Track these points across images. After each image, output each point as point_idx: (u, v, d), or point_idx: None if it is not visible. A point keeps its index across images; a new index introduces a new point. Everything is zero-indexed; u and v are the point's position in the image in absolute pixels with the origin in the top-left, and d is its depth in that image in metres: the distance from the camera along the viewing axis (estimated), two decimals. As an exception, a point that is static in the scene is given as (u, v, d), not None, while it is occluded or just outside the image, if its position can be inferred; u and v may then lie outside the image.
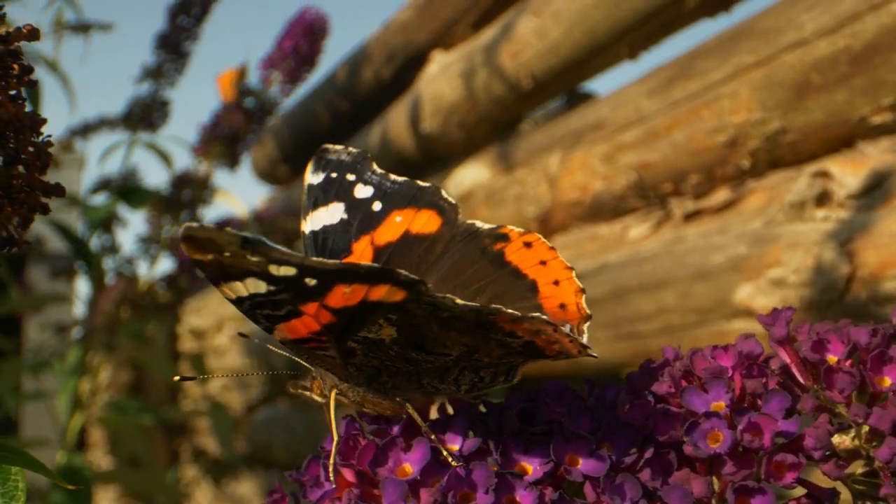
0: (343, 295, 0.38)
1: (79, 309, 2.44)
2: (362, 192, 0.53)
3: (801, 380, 0.38)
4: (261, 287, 0.38)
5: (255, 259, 0.36)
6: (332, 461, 0.39)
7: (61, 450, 1.49)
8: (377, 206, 0.53)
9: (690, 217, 1.20)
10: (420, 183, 0.54)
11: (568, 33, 1.40)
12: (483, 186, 1.61)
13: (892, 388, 0.34)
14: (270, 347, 0.48)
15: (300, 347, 0.42)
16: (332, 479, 0.39)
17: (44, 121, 0.43)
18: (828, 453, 0.35)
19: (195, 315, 2.96)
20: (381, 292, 0.38)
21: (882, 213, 0.90)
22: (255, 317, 0.40)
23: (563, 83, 1.52)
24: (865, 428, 0.36)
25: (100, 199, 1.89)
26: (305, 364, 0.45)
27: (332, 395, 0.43)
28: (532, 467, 0.37)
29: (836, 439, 0.37)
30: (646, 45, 1.37)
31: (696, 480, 0.34)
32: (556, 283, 0.47)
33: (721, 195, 1.16)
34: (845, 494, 0.39)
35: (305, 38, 1.60)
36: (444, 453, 0.38)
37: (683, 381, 0.38)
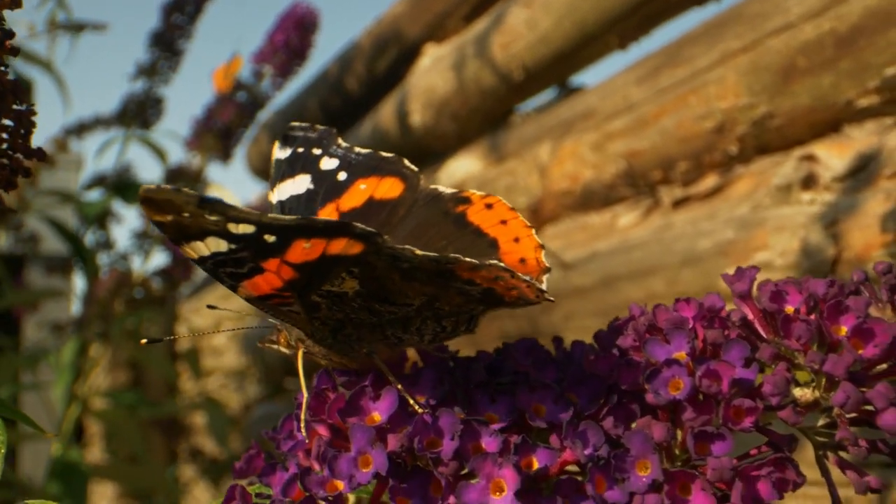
0: (303, 250, 0.38)
1: (75, 306, 2.46)
2: (328, 164, 0.55)
3: (762, 333, 0.39)
4: (222, 246, 0.38)
5: (213, 218, 0.37)
6: (303, 410, 0.40)
7: (57, 442, 1.49)
8: (342, 175, 0.54)
9: (679, 204, 1.20)
10: (383, 154, 0.55)
11: (558, 24, 1.40)
12: (475, 178, 1.62)
13: (848, 336, 0.35)
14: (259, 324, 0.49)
15: (265, 304, 0.43)
16: (303, 428, 0.40)
17: (27, 89, 0.44)
18: (786, 400, 0.36)
19: (194, 315, 2.97)
20: (339, 246, 0.39)
21: (867, 195, 0.90)
22: (219, 275, 0.41)
23: (555, 74, 1.53)
24: (824, 379, 0.36)
25: (94, 195, 1.90)
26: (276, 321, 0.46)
27: (301, 348, 0.44)
28: (498, 416, 0.38)
29: (797, 392, 0.38)
30: (636, 35, 1.38)
31: (657, 426, 0.35)
32: (517, 240, 0.48)
33: (709, 181, 1.17)
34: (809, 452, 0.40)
35: (296, 31, 1.61)
36: (412, 402, 0.39)
37: (647, 334, 0.39)
